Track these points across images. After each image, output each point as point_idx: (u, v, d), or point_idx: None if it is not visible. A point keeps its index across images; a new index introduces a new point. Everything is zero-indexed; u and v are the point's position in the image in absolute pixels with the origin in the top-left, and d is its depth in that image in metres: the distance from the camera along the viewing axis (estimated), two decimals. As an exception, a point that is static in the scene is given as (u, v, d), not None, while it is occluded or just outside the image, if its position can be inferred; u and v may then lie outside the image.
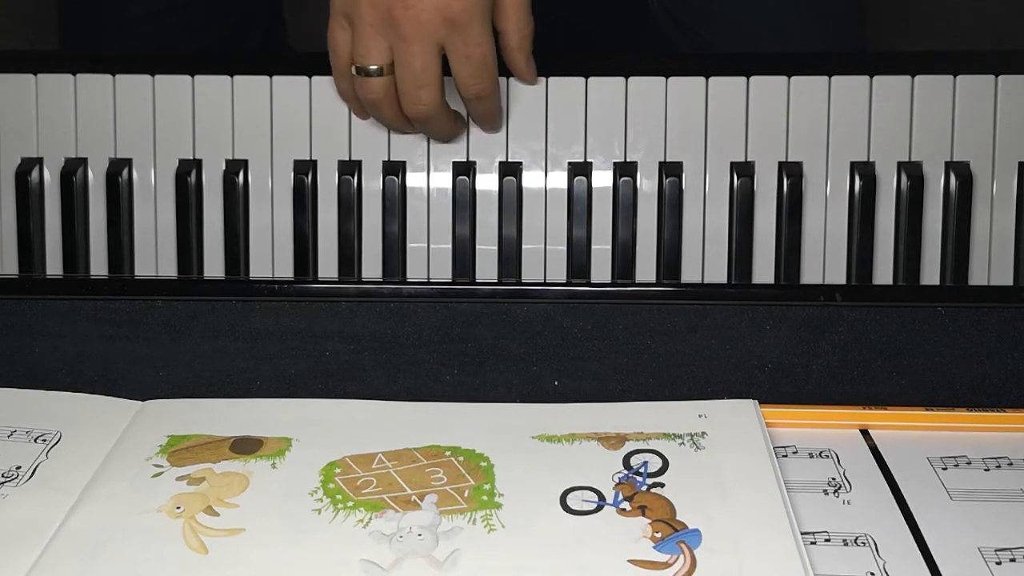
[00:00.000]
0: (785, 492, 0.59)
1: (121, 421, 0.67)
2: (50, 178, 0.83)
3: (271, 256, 0.83)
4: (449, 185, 0.82)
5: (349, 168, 0.82)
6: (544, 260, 0.82)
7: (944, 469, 0.63)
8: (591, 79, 0.82)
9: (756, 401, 0.68)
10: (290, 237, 0.83)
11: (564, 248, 0.82)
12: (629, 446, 0.64)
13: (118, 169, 0.82)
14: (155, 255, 0.83)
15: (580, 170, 0.82)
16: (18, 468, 0.63)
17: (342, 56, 0.76)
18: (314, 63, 0.82)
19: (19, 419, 0.68)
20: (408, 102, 0.75)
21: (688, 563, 0.54)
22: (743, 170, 0.81)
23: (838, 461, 0.64)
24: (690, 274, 0.82)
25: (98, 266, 0.83)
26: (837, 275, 0.82)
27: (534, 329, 0.71)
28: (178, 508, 0.59)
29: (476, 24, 0.72)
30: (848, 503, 0.60)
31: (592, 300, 0.71)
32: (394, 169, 0.82)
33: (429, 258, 0.82)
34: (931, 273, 0.81)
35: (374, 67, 0.74)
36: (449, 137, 0.81)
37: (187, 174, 0.82)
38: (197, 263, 0.83)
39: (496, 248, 0.82)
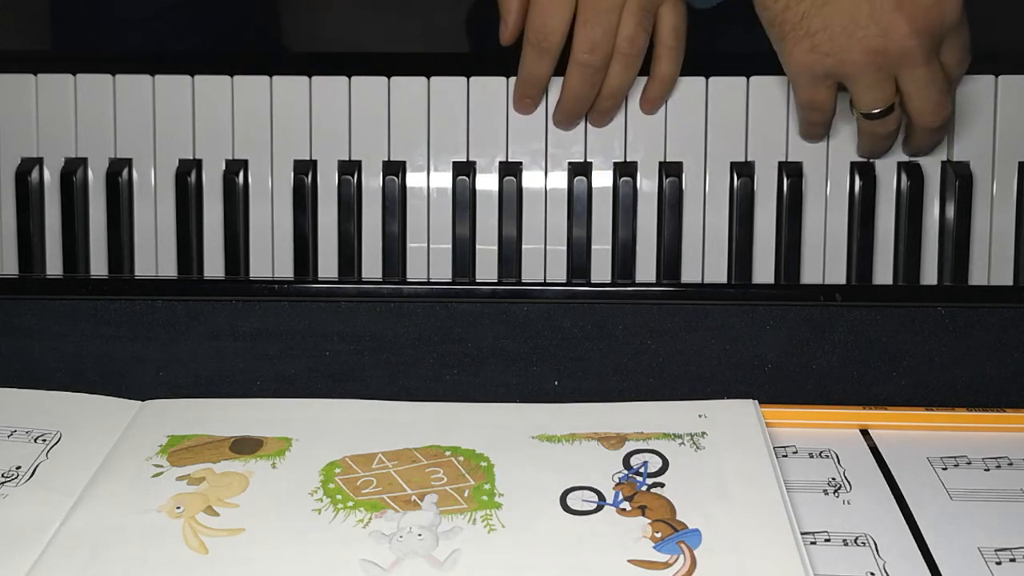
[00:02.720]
0: (785, 492, 0.59)
1: (121, 421, 0.67)
2: (50, 178, 0.83)
3: (271, 256, 0.83)
4: (449, 185, 0.82)
5: (349, 168, 0.82)
6: (544, 260, 0.82)
7: (944, 469, 0.63)
8: (591, 79, 0.82)
9: (756, 401, 0.68)
10: (290, 237, 0.83)
11: (564, 248, 0.82)
12: (629, 446, 0.64)
13: (118, 169, 0.82)
14: (155, 255, 0.83)
15: (580, 170, 0.82)
16: (18, 468, 0.63)
17: (826, 111, 0.77)
18: (314, 63, 0.83)
19: (19, 419, 0.68)
20: (930, 117, 0.75)
21: (688, 563, 0.54)
22: (743, 170, 0.81)
23: (838, 461, 0.64)
24: (690, 274, 0.82)
25: (98, 266, 0.83)
26: (837, 275, 0.81)
27: (534, 329, 0.71)
28: (178, 508, 0.59)
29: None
30: (848, 503, 0.60)
31: (592, 300, 0.71)
32: (394, 169, 0.82)
33: (429, 258, 0.82)
34: (931, 273, 0.81)
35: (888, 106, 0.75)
36: None
37: (187, 174, 0.82)
38: (197, 263, 0.83)
39: (496, 248, 0.82)
